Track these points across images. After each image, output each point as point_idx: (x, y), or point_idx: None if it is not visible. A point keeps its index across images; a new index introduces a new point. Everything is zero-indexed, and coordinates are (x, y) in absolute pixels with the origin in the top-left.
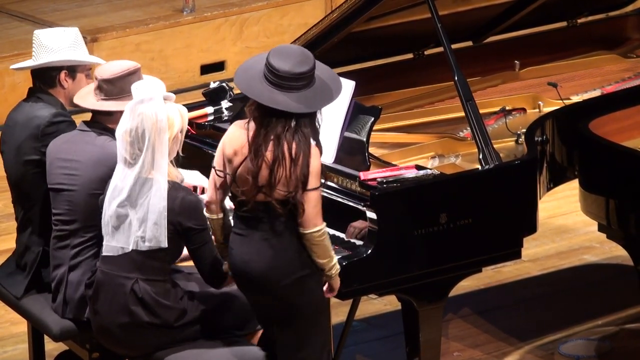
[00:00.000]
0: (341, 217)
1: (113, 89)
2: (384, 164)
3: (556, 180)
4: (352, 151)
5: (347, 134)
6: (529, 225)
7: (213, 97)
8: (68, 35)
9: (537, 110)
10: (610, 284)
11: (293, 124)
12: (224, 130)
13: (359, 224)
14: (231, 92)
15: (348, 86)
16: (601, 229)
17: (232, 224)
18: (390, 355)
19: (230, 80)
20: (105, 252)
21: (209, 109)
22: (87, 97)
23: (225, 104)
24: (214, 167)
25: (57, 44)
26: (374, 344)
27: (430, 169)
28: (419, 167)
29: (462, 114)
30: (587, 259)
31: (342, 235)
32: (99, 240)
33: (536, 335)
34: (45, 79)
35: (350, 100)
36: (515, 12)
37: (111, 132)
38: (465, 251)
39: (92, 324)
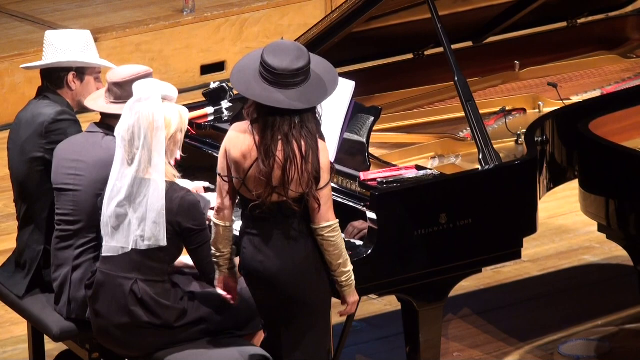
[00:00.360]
0: (341, 217)
1: (122, 93)
2: (384, 164)
3: (556, 180)
4: (352, 151)
5: (347, 134)
6: (529, 225)
7: (213, 97)
8: (79, 37)
9: (537, 110)
10: (610, 284)
11: (298, 120)
12: (224, 131)
13: (358, 224)
14: (231, 93)
15: (348, 86)
16: (601, 229)
17: (243, 226)
18: (390, 355)
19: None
20: (105, 252)
21: (209, 110)
22: (98, 99)
23: (225, 104)
24: (219, 174)
25: (66, 45)
26: (374, 344)
27: (430, 170)
28: (419, 168)
29: (462, 114)
30: (587, 259)
31: (342, 235)
32: (102, 241)
33: (536, 335)
34: (53, 79)
35: (350, 100)
36: (515, 13)
37: None
38: (465, 251)
39: (92, 324)
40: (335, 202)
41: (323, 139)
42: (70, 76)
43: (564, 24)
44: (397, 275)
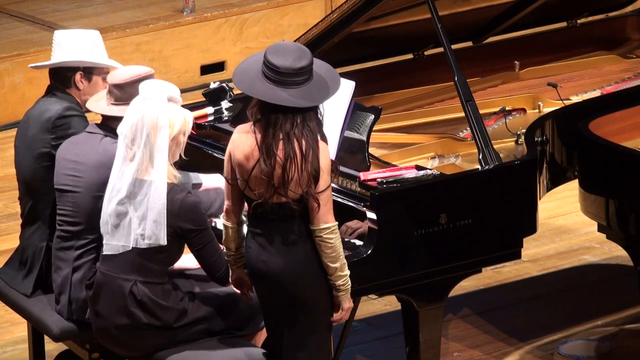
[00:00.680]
0: (341, 217)
1: (122, 94)
2: (384, 164)
3: (556, 180)
4: (352, 150)
5: (347, 133)
6: (529, 225)
7: (213, 97)
8: (87, 37)
9: (537, 110)
10: (610, 284)
11: (300, 119)
12: (224, 131)
13: (353, 223)
14: (231, 93)
15: (348, 86)
16: (601, 229)
17: (249, 225)
18: (390, 355)
19: (231, 80)
20: (105, 251)
21: (209, 110)
22: (100, 101)
23: (225, 104)
24: (225, 178)
25: (74, 44)
26: (374, 344)
27: (430, 170)
28: (419, 168)
29: (462, 114)
30: (587, 260)
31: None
32: (101, 242)
33: (536, 335)
34: (61, 78)
35: (350, 100)
36: (515, 13)
37: (117, 135)
38: (465, 251)
39: (92, 324)
40: (335, 202)
41: (325, 140)
42: (78, 76)
43: (564, 24)
44: (397, 275)
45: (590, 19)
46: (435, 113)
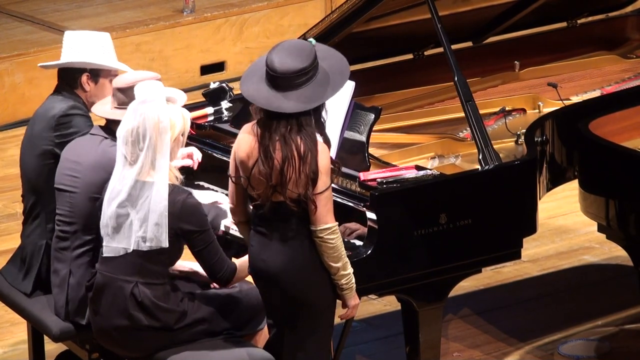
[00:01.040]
0: (341, 217)
1: (126, 98)
2: (384, 164)
3: (556, 180)
4: (352, 150)
5: (347, 134)
6: (529, 225)
7: (213, 97)
8: (95, 39)
9: (537, 110)
10: (610, 285)
11: (295, 122)
12: (223, 131)
13: (352, 225)
14: (231, 93)
15: (348, 86)
16: (601, 229)
17: (252, 224)
18: (390, 355)
19: (230, 80)
20: (105, 253)
21: (209, 110)
22: (105, 105)
23: (225, 104)
24: (229, 176)
25: (82, 45)
26: (374, 344)
27: (430, 170)
28: (418, 168)
29: (462, 114)
30: (587, 260)
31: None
32: (99, 243)
33: (536, 335)
34: (68, 79)
35: (350, 100)
36: (515, 13)
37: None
38: (465, 252)
39: (92, 325)
40: (335, 202)
41: (327, 140)
42: (84, 77)
43: (564, 24)
44: (397, 276)
45: (590, 19)
46: (435, 113)
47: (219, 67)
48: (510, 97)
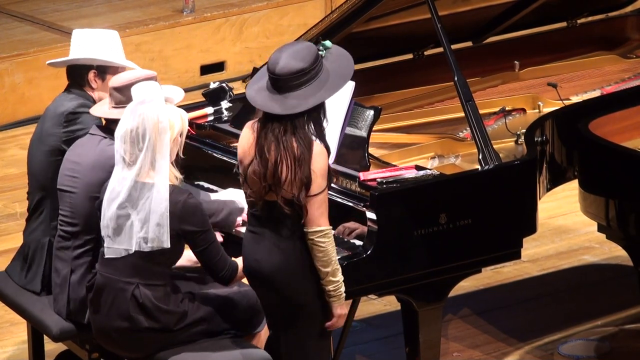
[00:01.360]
0: (341, 217)
1: (122, 98)
2: (384, 164)
3: (556, 180)
4: (352, 146)
5: (347, 131)
6: (529, 225)
7: (213, 97)
8: (102, 36)
9: (537, 110)
10: (610, 285)
11: (290, 124)
12: (223, 131)
13: (350, 224)
14: (231, 93)
15: (348, 87)
16: (601, 229)
17: (247, 223)
18: (390, 355)
19: (230, 80)
20: (107, 254)
21: (209, 110)
22: (104, 105)
23: (225, 104)
24: (236, 172)
25: (89, 43)
26: (374, 344)
27: (430, 170)
28: (418, 168)
29: (462, 114)
30: (587, 260)
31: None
32: (99, 243)
33: (536, 335)
34: (76, 77)
35: (350, 100)
36: (515, 13)
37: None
38: (465, 252)
39: (92, 326)
40: (334, 202)
41: (325, 143)
42: (91, 74)
43: (564, 24)
44: (397, 276)
45: (590, 19)
46: (435, 113)
47: (218, 67)
48: (510, 97)
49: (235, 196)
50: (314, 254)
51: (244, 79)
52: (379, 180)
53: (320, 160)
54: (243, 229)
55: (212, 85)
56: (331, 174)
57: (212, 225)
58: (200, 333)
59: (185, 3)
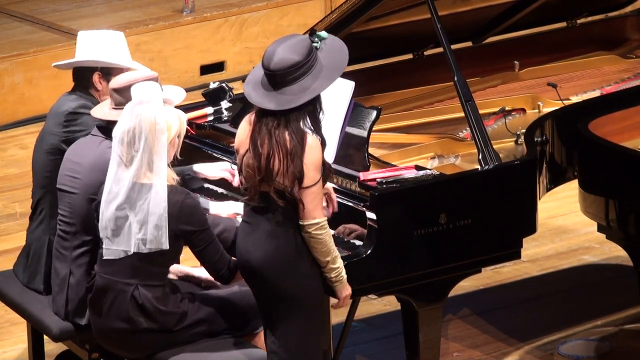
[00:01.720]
0: (341, 217)
1: (121, 99)
2: (384, 164)
3: (556, 180)
4: (352, 146)
5: (348, 128)
6: (529, 225)
7: (213, 97)
8: (106, 37)
9: (537, 110)
10: (610, 285)
11: (283, 118)
12: (223, 131)
13: (351, 225)
14: (231, 93)
15: (348, 87)
16: (601, 229)
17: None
18: (390, 355)
19: (230, 80)
20: (105, 255)
21: (209, 110)
22: (104, 106)
23: (224, 104)
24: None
25: (93, 45)
26: (374, 344)
27: (429, 170)
28: (418, 168)
29: (462, 114)
30: (587, 260)
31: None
32: (97, 244)
33: (535, 335)
34: (81, 78)
35: (350, 100)
36: (514, 13)
37: None
38: (465, 252)
39: (92, 327)
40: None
41: (321, 136)
42: (96, 76)
43: (564, 24)
44: (397, 276)
45: (589, 19)
46: (434, 113)
47: (218, 67)
48: (510, 97)
49: (238, 210)
50: (312, 246)
51: (244, 79)
52: (378, 180)
53: (313, 152)
54: None
55: (212, 85)
56: (327, 166)
57: None
58: (201, 333)
59: (185, 3)
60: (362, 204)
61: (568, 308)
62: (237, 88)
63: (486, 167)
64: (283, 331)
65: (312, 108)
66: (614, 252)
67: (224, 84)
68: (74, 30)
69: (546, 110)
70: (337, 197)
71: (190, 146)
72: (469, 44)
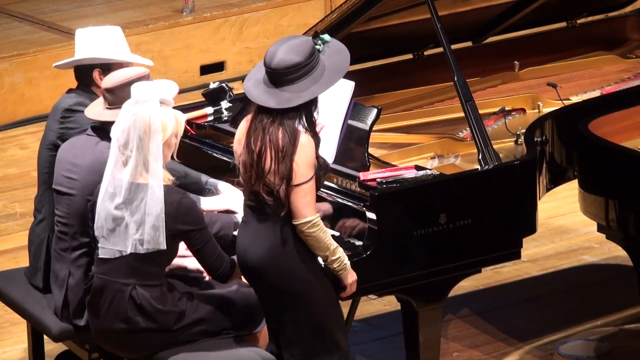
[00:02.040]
0: (341, 217)
1: (114, 98)
2: (384, 164)
3: (556, 180)
4: (352, 149)
5: (347, 130)
6: (529, 225)
7: (213, 97)
8: (104, 33)
9: (537, 110)
10: (610, 285)
11: (279, 117)
12: (223, 131)
13: (351, 222)
14: (231, 93)
15: (348, 87)
16: (600, 229)
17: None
18: (390, 355)
19: (230, 80)
20: (101, 254)
21: (209, 110)
22: (98, 106)
23: (224, 104)
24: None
25: (91, 41)
26: (374, 344)
27: (429, 170)
28: (418, 168)
29: (462, 114)
30: (587, 260)
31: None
32: (96, 245)
33: (535, 335)
34: (82, 76)
35: (350, 100)
36: (515, 13)
37: None
38: (465, 252)
39: (91, 327)
40: (334, 202)
41: (315, 136)
42: (96, 73)
43: (564, 24)
44: (397, 276)
45: (590, 19)
46: (434, 113)
47: (218, 67)
48: (510, 97)
49: (231, 206)
50: (309, 244)
51: (244, 79)
52: (378, 180)
53: (305, 150)
54: None
55: (212, 85)
56: (322, 165)
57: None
58: (200, 333)
59: (184, 3)
60: (362, 204)
61: (568, 308)
62: (237, 88)
63: (486, 167)
64: (291, 330)
65: (309, 109)
66: (614, 252)
67: (224, 84)
68: (74, 30)
69: (546, 110)
70: (337, 197)
71: (190, 146)
72: (469, 44)
